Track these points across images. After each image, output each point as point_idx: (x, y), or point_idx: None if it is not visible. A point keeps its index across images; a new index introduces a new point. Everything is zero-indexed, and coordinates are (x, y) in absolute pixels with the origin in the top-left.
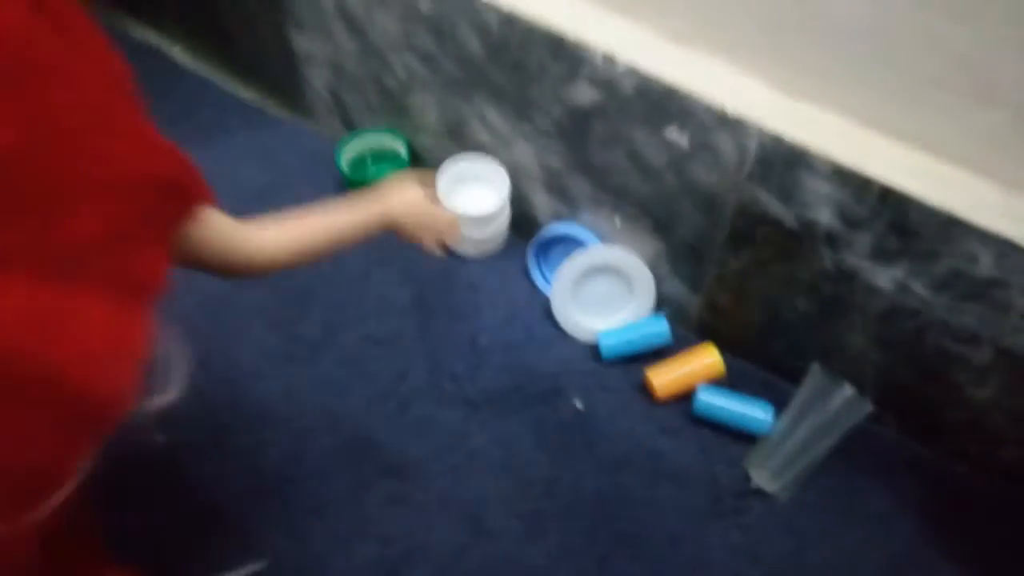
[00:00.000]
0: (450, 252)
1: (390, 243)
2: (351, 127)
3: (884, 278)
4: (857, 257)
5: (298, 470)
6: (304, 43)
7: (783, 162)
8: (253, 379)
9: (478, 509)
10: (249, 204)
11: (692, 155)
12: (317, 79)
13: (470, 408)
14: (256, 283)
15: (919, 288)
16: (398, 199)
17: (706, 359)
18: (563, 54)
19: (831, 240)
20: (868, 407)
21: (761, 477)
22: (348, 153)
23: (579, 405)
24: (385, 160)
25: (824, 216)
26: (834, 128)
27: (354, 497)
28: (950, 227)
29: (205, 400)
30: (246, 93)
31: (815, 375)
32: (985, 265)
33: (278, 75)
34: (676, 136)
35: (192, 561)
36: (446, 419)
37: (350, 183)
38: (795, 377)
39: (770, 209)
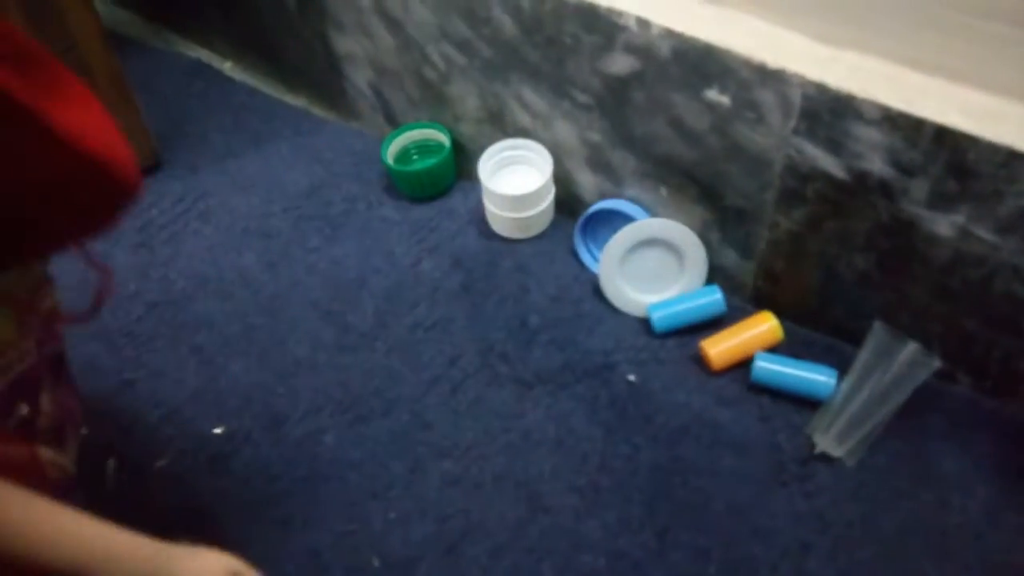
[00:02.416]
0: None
1: (438, 232)
2: (394, 123)
3: (944, 225)
4: (914, 205)
5: (355, 455)
6: (344, 44)
7: (829, 112)
8: (308, 369)
9: (534, 486)
10: (299, 203)
11: (735, 114)
12: (359, 78)
13: (522, 387)
14: (309, 276)
15: (983, 232)
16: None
17: (763, 326)
18: (596, 24)
19: (885, 190)
20: (936, 363)
21: (826, 442)
22: (392, 148)
23: (632, 379)
24: (429, 152)
25: (876, 165)
26: (879, 72)
27: (411, 479)
28: (1012, 163)
29: (263, 391)
30: (293, 99)
31: (878, 333)
32: None
33: (322, 78)
34: (717, 97)
35: (257, 540)
36: (499, 399)
37: (397, 175)
38: (857, 339)
39: (819, 163)
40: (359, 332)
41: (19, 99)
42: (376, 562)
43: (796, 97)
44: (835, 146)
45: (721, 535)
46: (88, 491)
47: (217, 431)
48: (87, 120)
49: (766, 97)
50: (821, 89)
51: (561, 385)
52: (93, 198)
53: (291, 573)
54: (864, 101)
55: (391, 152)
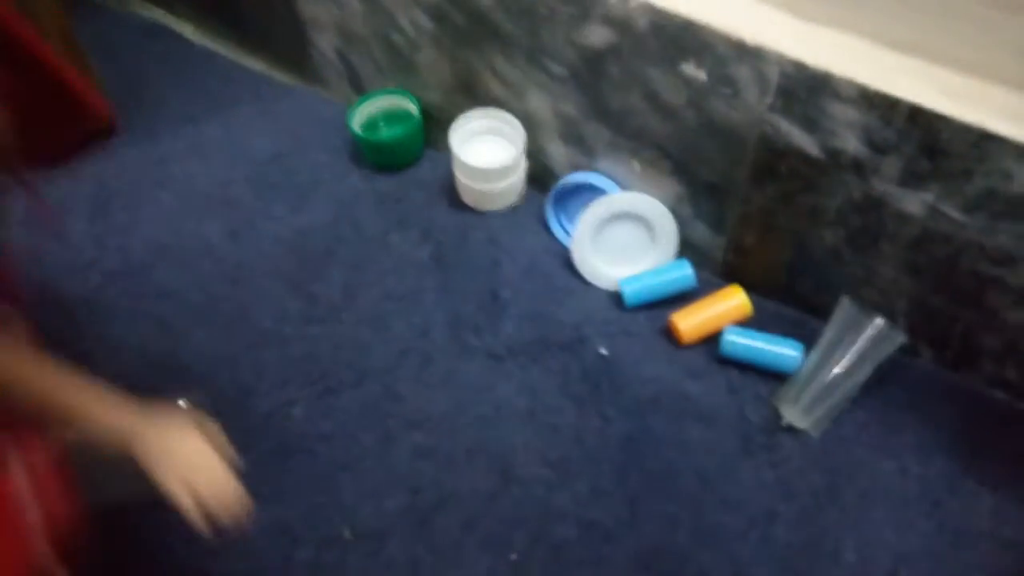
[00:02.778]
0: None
1: (407, 202)
2: (361, 91)
3: (914, 203)
4: (885, 183)
5: (324, 428)
6: (310, 8)
7: (806, 89)
8: (275, 341)
9: (507, 458)
10: (262, 171)
11: (711, 90)
12: (324, 43)
13: (493, 360)
14: (274, 246)
15: (951, 211)
16: (166, 436)
17: (732, 300)
18: None
19: (858, 167)
20: (901, 338)
21: (792, 414)
22: (359, 116)
23: (604, 352)
24: (397, 121)
25: (850, 143)
26: (857, 51)
27: (382, 451)
28: (983, 144)
29: (229, 363)
30: (255, 64)
31: (844, 308)
32: (1020, 182)
33: (285, 42)
34: (694, 71)
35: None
36: (470, 372)
37: (365, 144)
38: (825, 314)
39: (794, 140)
40: (327, 303)
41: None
42: (347, 534)
43: (773, 74)
44: (810, 123)
45: (690, 504)
46: None
47: (180, 404)
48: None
49: (743, 73)
50: (799, 67)
51: (532, 358)
52: (66, 123)
53: (262, 547)
54: (841, 79)
55: (357, 120)
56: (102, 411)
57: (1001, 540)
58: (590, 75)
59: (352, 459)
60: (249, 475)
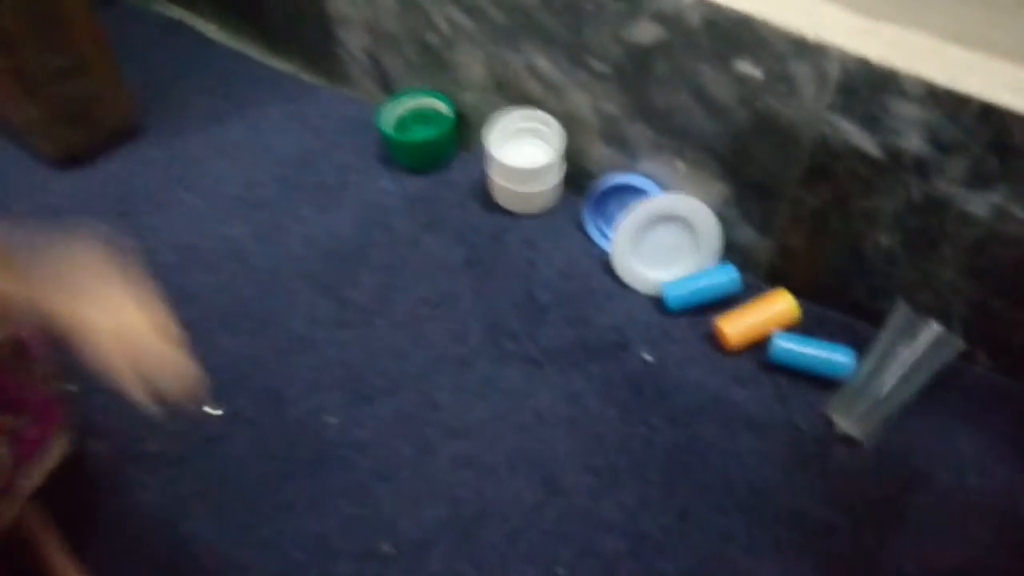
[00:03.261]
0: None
1: (439, 204)
2: (390, 90)
3: (980, 205)
4: (949, 184)
5: (360, 436)
6: (339, 5)
7: (868, 87)
8: (307, 346)
9: (549, 467)
10: (290, 172)
11: (766, 88)
12: (353, 42)
13: (533, 366)
14: (303, 249)
15: (1020, 212)
16: (93, 308)
17: (779, 304)
18: None
19: (920, 168)
20: (960, 344)
21: (845, 423)
22: (388, 116)
23: (648, 357)
24: (427, 121)
25: (913, 143)
26: (924, 47)
27: (420, 460)
28: None
29: (259, 369)
30: (280, 64)
31: (900, 313)
32: None
33: (312, 42)
34: (749, 69)
35: (258, 526)
36: (509, 378)
37: (396, 145)
38: (877, 319)
39: (852, 139)
40: (359, 307)
41: None
42: (387, 547)
43: (834, 71)
44: (871, 122)
45: (743, 516)
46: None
47: (211, 411)
48: None
49: (801, 70)
50: (862, 64)
51: (573, 363)
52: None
53: (298, 560)
54: (907, 76)
55: (386, 120)
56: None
57: None
58: (636, 73)
59: (390, 469)
60: (283, 486)
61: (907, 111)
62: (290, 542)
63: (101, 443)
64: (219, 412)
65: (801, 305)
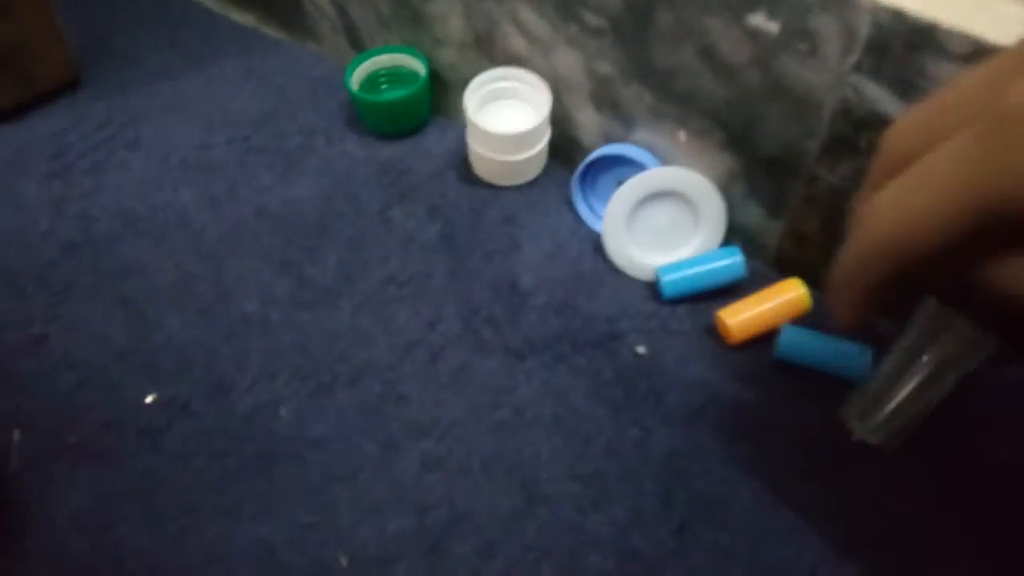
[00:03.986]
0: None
1: (412, 174)
2: (359, 47)
3: None
4: None
5: (316, 431)
6: None
7: (903, 44)
8: (259, 328)
9: (530, 472)
10: (247, 134)
11: (783, 46)
12: None
13: (513, 357)
14: (259, 220)
15: None
16: None
17: (789, 294)
18: None
19: None
20: (993, 345)
21: (862, 429)
22: (358, 75)
23: (642, 351)
24: (401, 81)
25: None
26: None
27: (384, 461)
28: None
29: (204, 353)
30: (238, 15)
31: (927, 309)
32: None
33: None
34: (763, 23)
35: (198, 533)
36: (486, 370)
37: (364, 106)
38: (899, 314)
39: (881, 106)
40: (320, 287)
41: None
42: (344, 561)
43: (863, 26)
44: (903, 86)
45: (746, 533)
46: None
47: (148, 399)
48: None
49: (825, 25)
50: (897, 17)
51: (558, 356)
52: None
53: (241, 573)
54: (949, 32)
55: (356, 79)
56: None
57: None
58: (634, 27)
59: (349, 470)
60: (227, 486)
61: (947, 72)
62: (233, 551)
63: (19, 433)
64: (151, 399)
65: (813, 296)
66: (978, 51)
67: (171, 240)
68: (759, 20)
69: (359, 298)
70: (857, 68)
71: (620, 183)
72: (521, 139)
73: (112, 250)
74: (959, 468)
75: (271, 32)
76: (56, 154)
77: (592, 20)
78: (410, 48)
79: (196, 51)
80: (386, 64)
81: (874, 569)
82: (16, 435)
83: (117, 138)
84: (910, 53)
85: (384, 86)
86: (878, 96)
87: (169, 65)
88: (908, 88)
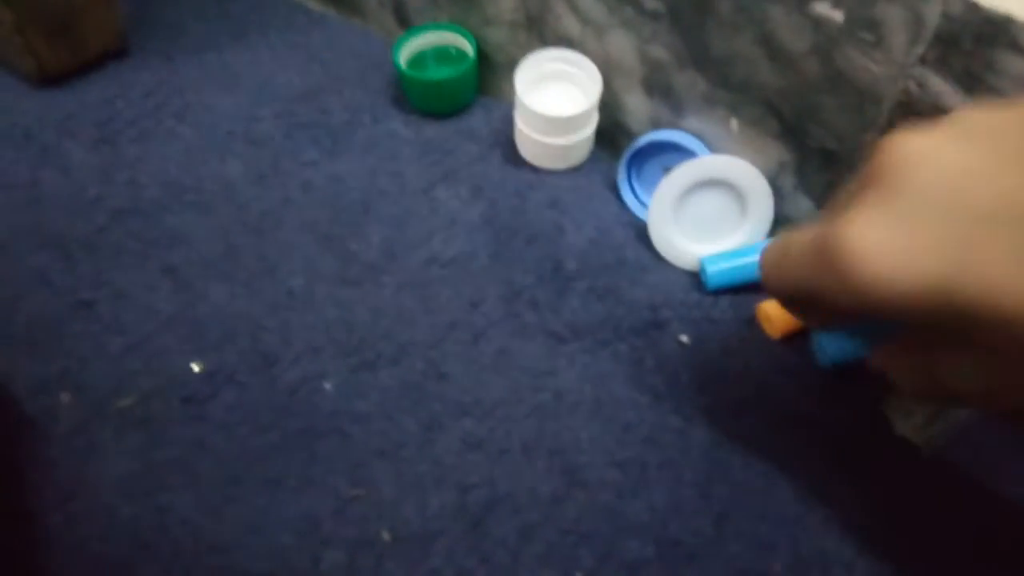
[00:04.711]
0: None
1: (457, 154)
2: (406, 24)
3: None
4: None
5: (360, 407)
6: None
7: (974, 37)
8: (304, 303)
9: (570, 456)
10: (293, 109)
11: (847, 35)
12: None
13: (555, 340)
14: (304, 194)
15: None
16: None
17: None
18: None
19: None
20: None
21: (905, 426)
22: (405, 53)
23: (684, 339)
24: (449, 60)
25: None
26: None
27: (426, 439)
28: None
29: (250, 325)
30: None
31: None
32: None
33: None
34: (828, 11)
35: (242, 503)
36: (528, 353)
37: (411, 84)
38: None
39: (944, 100)
40: (364, 263)
41: None
42: (386, 535)
43: (933, 17)
44: (970, 80)
45: (786, 525)
46: (36, 430)
47: (194, 367)
48: None
49: (892, 15)
50: (969, 8)
51: (600, 341)
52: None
53: (284, 544)
54: None
55: (403, 57)
56: None
57: None
58: (693, 12)
59: (392, 446)
60: (271, 458)
61: (1018, 67)
62: (276, 523)
63: (69, 396)
64: (198, 367)
65: None
66: None
67: (217, 211)
68: (824, 8)
69: (402, 276)
70: (922, 61)
71: (666, 170)
72: (571, 122)
73: (159, 219)
74: (1001, 469)
75: (317, 7)
76: (104, 121)
77: (649, 3)
78: (458, 26)
79: (243, 24)
80: (434, 42)
81: (913, 567)
82: (65, 398)
83: (165, 108)
84: (980, 46)
85: (431, 64)
86: (943, 91)
87: (215, 37)
88: (976, 84)
